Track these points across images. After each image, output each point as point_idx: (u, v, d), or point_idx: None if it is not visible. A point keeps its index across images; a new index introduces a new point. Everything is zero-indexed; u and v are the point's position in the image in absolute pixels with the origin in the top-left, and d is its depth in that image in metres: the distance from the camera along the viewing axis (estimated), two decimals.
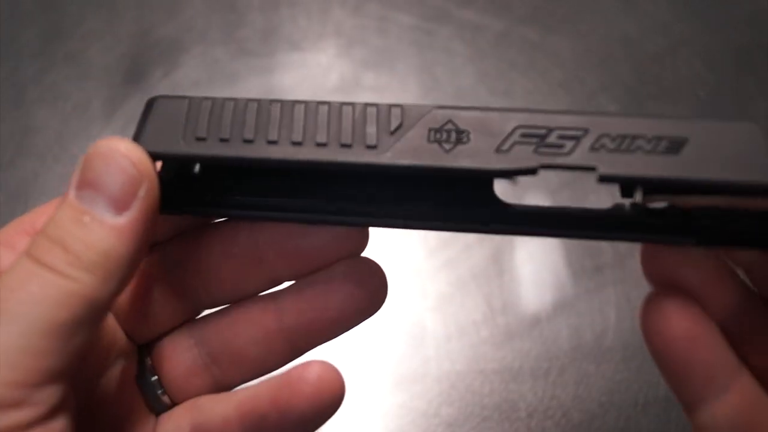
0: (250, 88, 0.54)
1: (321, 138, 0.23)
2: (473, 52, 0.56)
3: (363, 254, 0.26)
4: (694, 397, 0.23)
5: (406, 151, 0.22)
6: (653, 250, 0.24)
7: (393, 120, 0.23)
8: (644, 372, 0.43)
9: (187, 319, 0.27)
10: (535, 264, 0.46)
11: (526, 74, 0.55)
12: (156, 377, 0.27)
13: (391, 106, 0.23)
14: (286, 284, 0.27)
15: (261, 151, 0.23)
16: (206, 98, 0.24)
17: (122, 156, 0.22)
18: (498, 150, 0.22)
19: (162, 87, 0.54)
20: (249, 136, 0.23)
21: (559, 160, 0.22)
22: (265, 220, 0.25)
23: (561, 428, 0.42)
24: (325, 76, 0.55)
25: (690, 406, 0.23)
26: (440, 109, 0.23)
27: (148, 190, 0.22)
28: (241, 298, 0.27)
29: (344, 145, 0.23)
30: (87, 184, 0.21)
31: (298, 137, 0.23)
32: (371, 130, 0.23)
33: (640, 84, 0.54)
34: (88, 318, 0.21)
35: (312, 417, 0.25)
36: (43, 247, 0.21)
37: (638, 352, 0.44)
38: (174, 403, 0.27)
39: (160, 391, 0.27)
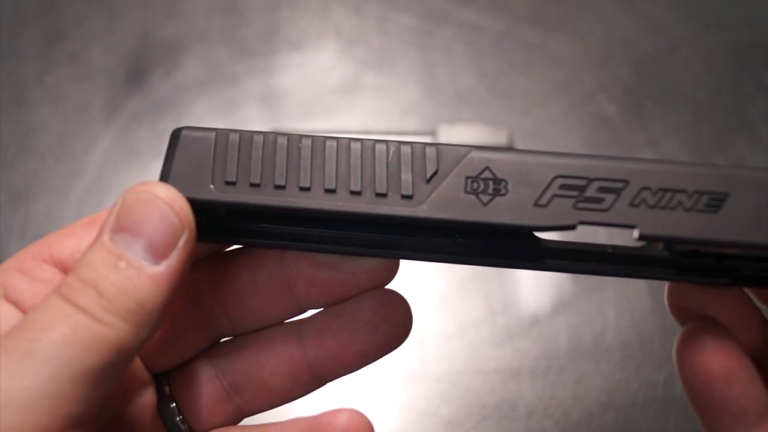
0: (250, 88, 0.54)
1: (355, 185, 0.22)
2: (473, 52, 0.56)
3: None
4: (723, 431, 0.23)
5: (443, 204, 0.22)
6: (680, 287, 0.24)
7: (428, 165, 0.22)
8: (643, 371, 0.44)
9: (207, 347, 0.27)
10: None
11: (526, 74, 0.55)
12: (174, 404, 0.26)
13: (425, 145, 0.22)
14: (310, 312, 0.26)
15: (294, 199, 0.22)
16: (233, 131, 0.23)
17: (164, 203, 0.21)
18: (537, 204, 0.22)
19: (162, 87, 0.54)
20: (280, 181, 0.22)
21: (599, 217, 0.21)
22: (292, 249, 0.24)
23: (560, 427, 0.43)
24: (325, 76, 0.55)
25: None
26: (477, 151, 0.22)
27: (187, 240, 0.21)
28: (264, 325, 0.26)
29: (379, 195, 0.22)
30: (125, 229, 0.21)
31: (331, 184, 0.22)
32: (407, 177, 0.22)
33: (639, 84, 0.54)
34: (117, 366, 0.20)
35: None
36: (76, 288, 0.20)
37: (637, 351, 0.44)
38: None
39: (179, 418, 0.26)
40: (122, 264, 0.20)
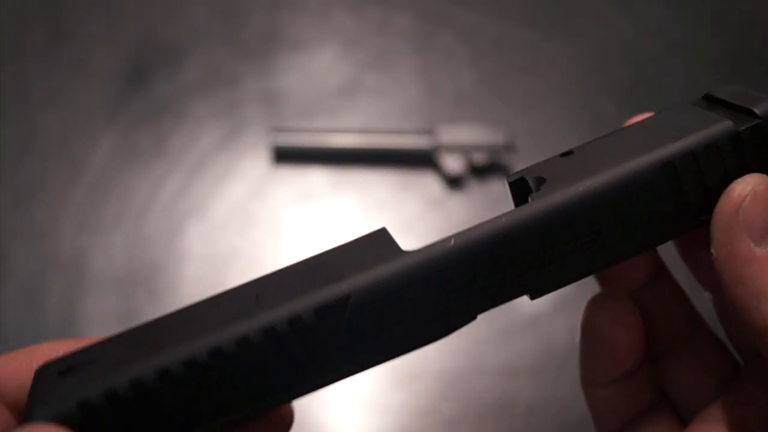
0: (251, 89, 0.54)
1: (256, 390, 0.20)
2: (473, 53, 0.56)
3: None
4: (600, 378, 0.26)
5: (346, 367, 0.21)
6: None
7: (314, 337, 0.20)
8: None
9: None
10: None
11: (525, 75, 0.55)
12: None
13: (302, 315, 0.20)
14: None
15: None
16: (92, 385, 0.19)
17: None
18: (434, 317, 0.21)
19: (164, 88, 0.54)
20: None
21: (492, 301, 0.21)
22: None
23: (559, 425, 0.43)
24: (325, 77, 0.55)
25: None
26: (356, 298, 0.20)
27: None
28: None
29: (284, 386, 0.20)
30: None
31: (230, 398, 0.20)
32: (300, 361, 0.20)
33: (637, 85, 0.55)
34: None
35: None
36: None
37: None
38: None
39: None
40: None
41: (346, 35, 0.57)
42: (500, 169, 0.51)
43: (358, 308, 0.20)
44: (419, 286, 0.20)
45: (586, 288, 0.46)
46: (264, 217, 0.50)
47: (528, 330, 0.45)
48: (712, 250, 0.21)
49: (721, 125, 0.21)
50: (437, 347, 0.45)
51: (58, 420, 0.19)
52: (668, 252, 0.25)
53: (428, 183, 0.51)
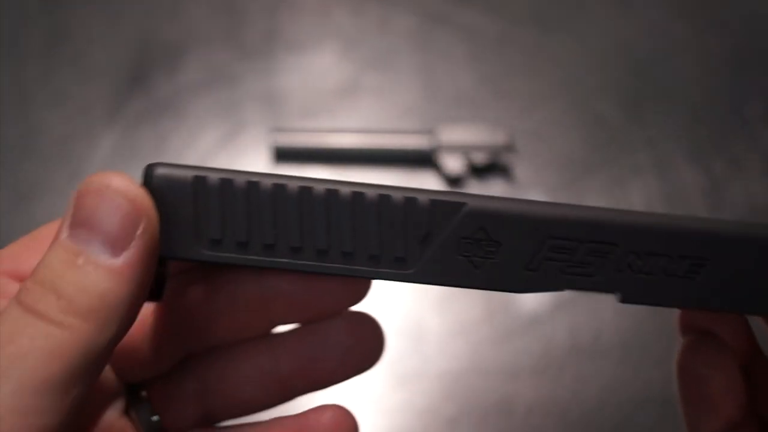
0: (250, 88, 0.54)
1: (347, 247, 0.21)
2: (473, 52, 0.56)
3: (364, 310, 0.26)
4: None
5: (436, 268, 0.21)
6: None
7: (423, 223, 0.21)
8: (641, 370, 0.44)
9: (181, 359, 0.26)
10: None
11: (526, 75, 0.55)
12: (157, 417, 0.25)
13: (419, 197, 0.21)
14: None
15: (284, 260, 0.21)
16: (213, 171, 0.21)
17: (115, 193, 0.20)
18: (528, 268, 0.22)
19: (164, 88, 0.54)
20: (269, 240, 0.21)
21: (584, 283, 0.22)
22: (277, 268, 0.22)
23: (559, 426, 0.43)
24: (325, 76, 0.55)
25: None
26: (472, 204, 0.21)
27: (146, 228, 0.20)
28: (239, 342, 0.26)
29: (372, 257, 0.21)
30: (80, 224, 0.20)
31: (322, 244, 0.21)
32: (400, 238, 0.21)
33: (637, 85, 0.55)
34: (85, 368, 0.19)
35: None
36: (34, 294, 0.19)
37: (635, 350, 0.45)
38: None
39: (155, 418, 0.25)
40: (80, 261, 0.19)
41: (346, 35, 0.57)
42: (500, 169, 0.51)
43: (469, 218, 0.21)
44: (527, 226, 0.21)
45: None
46: None
47: (528, 330, 0.45)
48: None
49: None
50: (438, 348, 0.45)
51: (167, 180, 0.21)
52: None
53: (428, 183, 0.51)
